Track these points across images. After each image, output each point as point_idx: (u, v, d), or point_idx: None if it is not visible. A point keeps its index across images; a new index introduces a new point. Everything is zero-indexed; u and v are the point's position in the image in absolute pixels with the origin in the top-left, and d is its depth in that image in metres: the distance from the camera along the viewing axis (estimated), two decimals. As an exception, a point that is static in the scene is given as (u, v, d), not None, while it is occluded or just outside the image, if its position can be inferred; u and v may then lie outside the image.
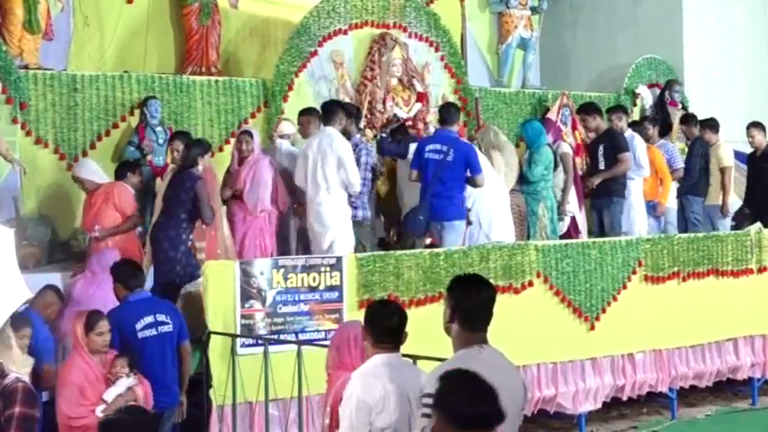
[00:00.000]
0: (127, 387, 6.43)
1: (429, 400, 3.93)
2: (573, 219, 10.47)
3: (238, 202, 9.04)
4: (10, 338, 6.26)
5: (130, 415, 6.32)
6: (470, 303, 4.16)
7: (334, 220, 8.88)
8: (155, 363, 6.89)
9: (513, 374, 4.28)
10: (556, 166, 10.37)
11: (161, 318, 6.99)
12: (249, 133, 9.26)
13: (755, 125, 11.57)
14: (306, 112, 9.44)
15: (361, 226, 9.27)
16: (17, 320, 6.36)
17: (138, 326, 6.89)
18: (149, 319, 6.94)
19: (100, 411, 6.31)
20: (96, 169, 8.92)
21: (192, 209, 8.27)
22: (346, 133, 9.24)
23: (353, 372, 4.76)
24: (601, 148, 10.51)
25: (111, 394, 6.35)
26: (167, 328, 7.01)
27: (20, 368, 6.35)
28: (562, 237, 10.03)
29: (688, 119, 11.88)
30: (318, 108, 9.45)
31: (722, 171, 11.34)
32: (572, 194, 10.53)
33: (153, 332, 6.93)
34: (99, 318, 6.49)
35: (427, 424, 3.93)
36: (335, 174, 8.82)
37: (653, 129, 11.56)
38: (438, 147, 9.18)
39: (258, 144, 9.17)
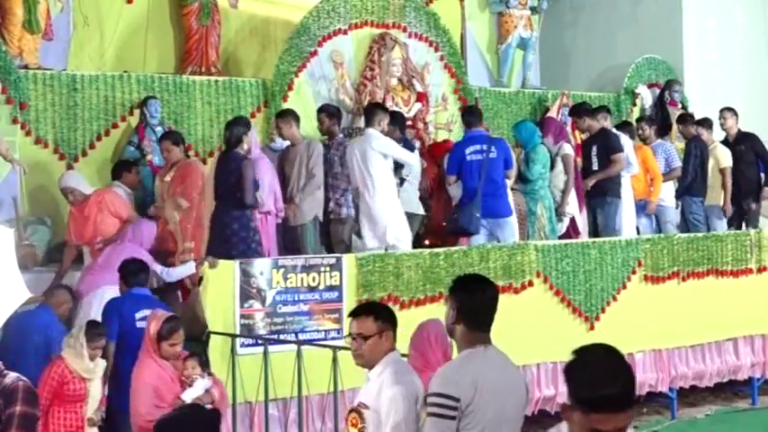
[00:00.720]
0: (204, 389, 6.26)
1: (434, 399, 3.95)
2: (572, 220, 10.47)
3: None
4: (82, 347, 6.42)
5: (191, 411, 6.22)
6: (475, 303, 4.15)
7: (388, 215, 9.08)
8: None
9: (517, 375, 4.31)
10: (553, 166, 10.38)
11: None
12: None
13: (729, 109, 11.70)
14: (280, 115, 9.38)
15: (344, 223, 9.26)
16: (92, 332, 6.51)
17: (138, 315, 7.02)
18: (147, 312, 6.94)
19: None
20: (83, 179, 8.87)
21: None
22: (330, 133, 9.37)
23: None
24: (594, 148, 10.51)
25: (189, 396, 6.14)
26: None
27: (86, 374, 6.43)
28: (561, 237, 10.02)
29: (684, 118, 11.86)
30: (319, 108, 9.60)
31: (722, 172, 11.33)
32: (572, 195, 10.53)
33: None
34: (175, 328, 6.27)
35: (432, 424, 3.95)
36: (380, 171, 9.07)
37: (649, 129, 11.55)
38: (478, 147, 9.47)
39: (256, 144, 9.13)
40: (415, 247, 9.21)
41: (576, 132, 11.79)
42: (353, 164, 9.16)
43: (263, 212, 8.63)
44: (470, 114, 9.98)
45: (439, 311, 7.59)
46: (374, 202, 9.09)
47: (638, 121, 12.06)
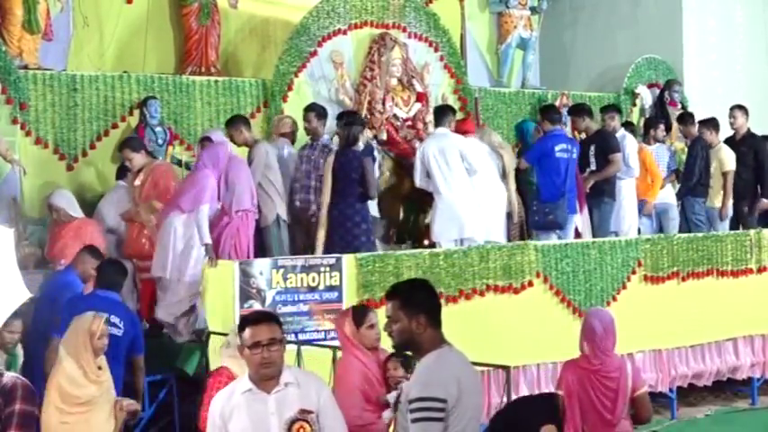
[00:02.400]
0: None
1: (420, 404, 3.93)
2: (573, 220, 10.49)
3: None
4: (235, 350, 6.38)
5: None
6: (436, 302, 4.19)
7: (466, 210, 9.31)
8: None
9: (477, 372, 4.39)
10: None
11: (114, 320, 6.90)
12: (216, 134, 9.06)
13: (740, 108, 11.57)
14: (229, 123, 9.34)
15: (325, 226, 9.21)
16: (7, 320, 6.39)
17: None
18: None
19: (387, 417, 5.71)
20: (74, 201, 8.77)
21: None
22: (315, 133, 9.33)
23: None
24: (592, 148, 10.50)
25: (392, 397, 5.71)
26: (116, 332, 6.89)
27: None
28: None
29: (685, 118, 11.83)
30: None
31: (725, 175, 11.23)
32: None
33: None
34: (367, 310, 6.12)
35: (420, 429, 3.93)
36: (460, 166, 9.34)
37: (658, 130, 11.47)
38: (564, 146, 9.90)
39: (229, 144, 8.88)
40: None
41: (576, 132, 11.79)
42: (430, 161, 9.30)
43: (242, 210, 8.47)
44: (555, 112, 10.43)
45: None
46: (456, 197, 9.25)
47: (652, 121, 11.99)
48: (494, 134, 10.62)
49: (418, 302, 4.11)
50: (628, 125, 11.66)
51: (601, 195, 10.39)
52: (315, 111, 9.47)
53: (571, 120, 11.27)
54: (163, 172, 8.71)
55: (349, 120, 9.10)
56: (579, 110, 10.98)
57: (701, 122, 11.46)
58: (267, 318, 4.36)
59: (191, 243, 8.00)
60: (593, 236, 10.13)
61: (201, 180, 8.10)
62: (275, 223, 8.96)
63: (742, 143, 11.43)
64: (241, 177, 8.54)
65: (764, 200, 11.34)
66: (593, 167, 10.44)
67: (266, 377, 4.23)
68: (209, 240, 7.82)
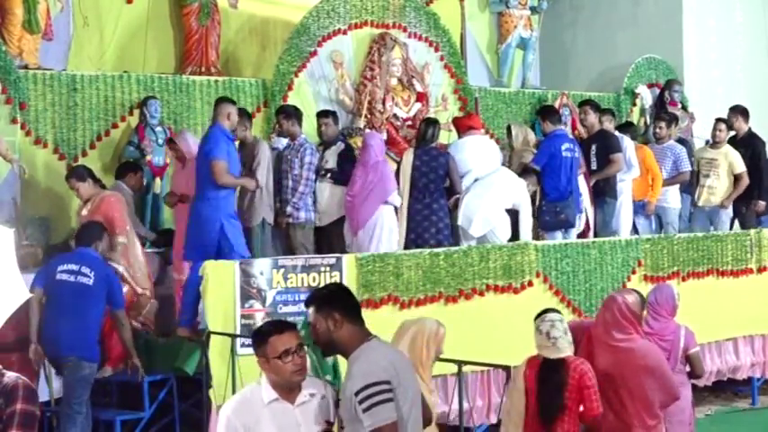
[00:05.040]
0: None
1: (367, 392, 3.91)
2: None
3: (185, 207, 8.58)
4: None
5: None
6: (350, 300, 4.22)
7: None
8: (64, 307, 7.33)
9: (407, 358, 4.52)
10: None
11: (84, 270, 7.40)
12: (179, 138, 8.93)
13: (738, 110, 11.62)
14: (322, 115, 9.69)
15: (303, 228, 9.21)
16: None
17: (61, 268, 7.45)
18: (73, 266, 7.44)
19: None
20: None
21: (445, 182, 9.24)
22: (291, 134, 9.30)
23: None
24: (593, 148, 10.50)
25: None
26: (85, 280, 7.39)
27: None
28: (579, 235, 10.10)
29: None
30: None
31: (737, 177, 11.29)
32: (585, 192, 10.55)
33: (68, 277, 7.41)
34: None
35: (375, 413, 3.93)
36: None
37: (667, 128, 11.40)
38: (569, 145, 9.93)
39: (194, 144, 8.68)
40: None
41: (576, 132, 11.79)
42: (475, 156, 9.47)
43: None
44: (555, 113, 10.52)
45: (439, 311, 7.62)
46: (488, 194, 9.38)
47: (655, 119, 11.97)
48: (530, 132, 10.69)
49: (331, 302, 4.14)
50: (628, 126, 11.65)
51: (602, 195, 10.39)
52: (282, 113, 9.42)
53: (580, 110, 11.09)
54: (111, 203, 8.34)
55: (429, 119, 9.69)
56: (592, 105, 10.91)
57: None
58: (288, 325, 4.33)
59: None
60: (596, 235, 10.12)
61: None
62: (261, 225, 8.95)
63: (741, 144, 11.47)
64: None
65: (761, 202, 11.38)
66: (593, 167, 10.44)
67: (296, 384, 4.19)
68: None
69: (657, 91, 13.30)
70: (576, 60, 14.70)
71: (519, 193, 9.56)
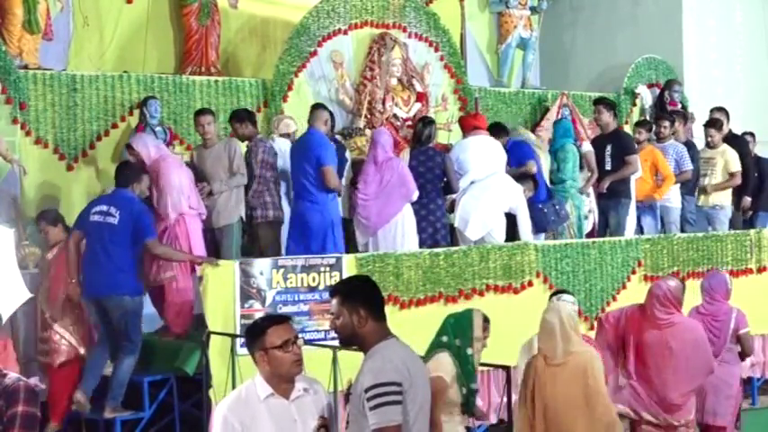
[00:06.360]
0: None
1: (377, 390, 3.93)
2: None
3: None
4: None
5: None
6: (378, 296, 4.21)
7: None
8: (96, 247, 7.66)
9: (421, 361, 4.52)
10: (581, 166, 10.41)
11: (111, 210, 7.72)
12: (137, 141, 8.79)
13: (722, 110, 11.77)
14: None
15: (274, 228, 9.13)
16: None
17: (94, 209, 7.81)
18: (104, 207, 7.79)
19: None
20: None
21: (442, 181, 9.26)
22: (246, 137, 9.18)
23: None
24: (608, 148, 10.46)
25: None
26: (111, 220, 7.68)
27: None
28: (587, 235, 10.11)
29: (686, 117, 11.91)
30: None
31: (732, 175, 11.34)
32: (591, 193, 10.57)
33: (99, 218, 7.71)
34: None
35: (381, 413, 3.94)
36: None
37: (670, 127, 11.42)
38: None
39: (154, 147, 8.64)
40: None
41: (577, 129, 11.77)
42: (477, 157, 9.44)
43: (179, 215, 8.31)
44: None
45: (439, 311, 7.62)
46: (485, 197, 9.40)
47: (657, 118, 11.96)
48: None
49: (358, 297, 4.14)
50: (644, 123, 11.68)
51: (618, 196, 10.37)
52: (234, 118, 9.27)
53: (595, 109, 10.99)
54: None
55: (426, 119, 9.71)
56: (609, 103, 10.87)
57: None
58: (284, 318, 4.39)
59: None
60: (612, 236, 10.11)
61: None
62: (238, 223, 8.88)
63: (729, 144, 11.53)
64: (173, 179, 8.33)
65: (747, 198, 11.58)
66: (608, 168, 10.40)
67: (294, 376, 4.23)
68: None
69: (657, 91, 13.30)
70: (575, 60, 14.70)
71: (516, 196, 9.54)
